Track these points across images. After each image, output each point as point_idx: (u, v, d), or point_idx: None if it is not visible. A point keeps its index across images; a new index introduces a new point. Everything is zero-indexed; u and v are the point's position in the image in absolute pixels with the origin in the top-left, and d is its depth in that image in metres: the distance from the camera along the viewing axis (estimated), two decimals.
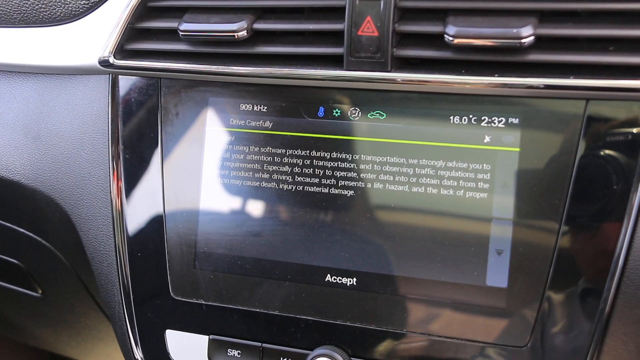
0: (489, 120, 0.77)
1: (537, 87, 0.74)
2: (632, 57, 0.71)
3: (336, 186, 0.82)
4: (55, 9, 0.97)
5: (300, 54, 0.82)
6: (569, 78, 0.73)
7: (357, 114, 0.82)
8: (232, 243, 0.87)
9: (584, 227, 0.75)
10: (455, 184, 0.78)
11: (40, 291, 1.24)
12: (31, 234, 1.11)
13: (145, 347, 0.94)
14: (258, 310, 0.87)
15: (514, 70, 0.75)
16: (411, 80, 0.78)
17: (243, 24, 0.82)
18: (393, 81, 0.78)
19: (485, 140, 0.77)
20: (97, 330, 1.34)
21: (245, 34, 0.82)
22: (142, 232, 0.92)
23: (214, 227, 0.88)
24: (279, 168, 0.85)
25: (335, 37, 0.80)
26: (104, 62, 0.91)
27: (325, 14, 0.81)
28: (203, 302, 0.89)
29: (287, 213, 0.84)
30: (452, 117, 0.78)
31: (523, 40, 0.71)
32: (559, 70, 0.73)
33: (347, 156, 0.82)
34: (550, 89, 0.73)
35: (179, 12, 0.87)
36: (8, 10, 1.00)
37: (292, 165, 0.84)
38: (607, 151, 0.74)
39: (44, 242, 1.10)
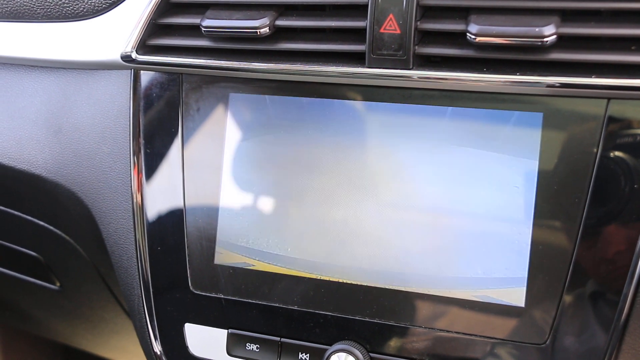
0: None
1: (559, 86, 0.74)
2: None
3: (354, 182, 0.83)
4: (78, 4, 0.98)
5: (322, 50, 0.82)
6: (590, 77, 0.73)
7: (378, 110, 0.82)
8: (252, 238, 0.87)
9: (604, 226, 0.75)
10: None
11: (58, 284, 1.26)
12: (51, 227, 1.12)
13: (164, 341, 0.94)
14: (277, 305, 0.87)
15: (535, 69, 0.75)
16: (433, 78, 0.78)
17: (265, 20, 0.83)
18: (414, 79, 0.79)
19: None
20: (113, 324, 1.35)
21: (268, 30, 0.83)
22: (162, 226, 0.92)
23: (234, 222, 0.88)
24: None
25: (357, 35, 0.81)
26: (126, 58, 0.91)
27: (348, 11, 0.82)
28: (222, 296, 0.90)
29: (306, 209, 0.85)
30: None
31: (545, 39, 0.72)
32: (581, 69, 0.73)
33: (366, 153, 0.82)
34: (572, 87, 0.74)
35: (201, 9, 0.88)
36: (32, 6, 1.01)
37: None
38: (628, 150, 0.74)
39: (63, 235, 1.11)
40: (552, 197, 0.76)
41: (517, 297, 0.77)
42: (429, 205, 0.80)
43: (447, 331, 0.81)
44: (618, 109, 0.73)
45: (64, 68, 1.01)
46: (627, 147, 0.74)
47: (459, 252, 0.79)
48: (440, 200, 0.80)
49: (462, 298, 0.80)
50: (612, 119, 0.74)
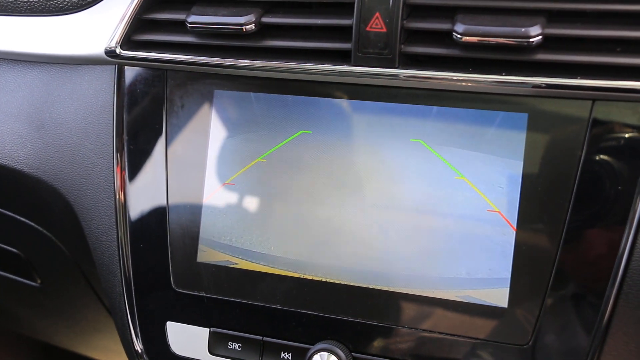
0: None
1: (544, 87, 0.74)
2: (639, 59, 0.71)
3: (338, 181, 0.82)
4: None
5: (307, 48, 0.82)
6: (575, 78, 0.73)
7: (364, 109, 0.82)
8: (235, 236, 0.87)
9: (588, 228, 0.75)
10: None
11: (39, 281, 1.24)
12: (32, 224, 1.11)
13: (146, 339, 0.94)
14: (259, 303, 0.87)
15: (521, 69, 0.75)
16: (418, 77, 0.78)
17: (251, 17, 0.82)
18: (400, 78, 0.78)
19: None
20: (95, 322, 1.34)
21: (253, 27, 0.82)
22: (145, 224, 0.92)
23: (217, 220, 0.88)
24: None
25: (343, 33, 0.80)
26: (111, 53, 0.91)
27: (334, 9, 0.81)
28: (205, 294, 0.89)
29: (290, 207, 0.84)
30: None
31: (531, 40, 0.72)
32: (566, 70, 0.73)
33: (351, 152, 0.82)
34: (557, 88, 0.74)
35: (187, 4, 0.87)
36: None
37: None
38: (612, 153, 0.74)
39: (45, 231, 1.10)
40: (536, 198, 0.76)
41: (500, 297, 0.77)
42: (413, 205, 0.80)
43: (430, 331, 0.81)
44: (603, 110, 0.74)
45: (47, 63, 1.00)
46: (612, 150, 0.74)
47: (442, 252, 0.79)
48: (424, 200, 0.79)
49: (446, 298, 0.79)
50: (597, 121, 0.74)
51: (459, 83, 0.77)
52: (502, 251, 0.77)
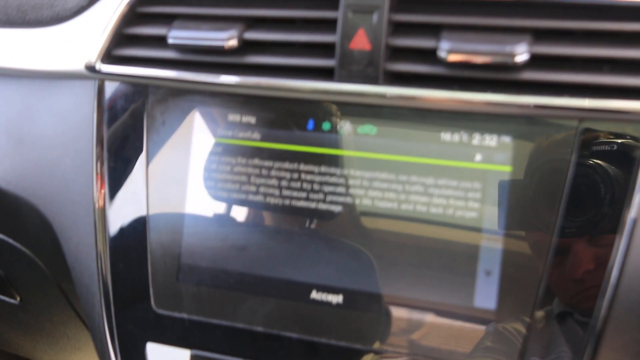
0: (481, 138, 0.76)
1: (530, 106, 0.72)
2: (627, 78, 0.70)
3: (324, 201, 0.81)
4: (42, 11, 0.95)
5: (290, 65, 0.80)
6: (562, 97, 0.72)
7: (347, 128, 0.80)
8: (217, 256, 0.85)
9: (575, 250, 0.73)
10: (445, 202, 0.77)
11: (18, 298, 1.22)
12: (10, 240, 1.08)
13: None
14: (241, 325, 0.85)
15: (507, 88, 0.73)
16: (402, 96, 0.76)
17: (233, 33, 0.80)
18: (384, 96, 0.77)
19: (476, 159, 0.76)
20: (76, 340, 1.32)
21: (235, 43, 0.81)
22: (125, 243, 0.90)
23: (198, 240, 0.86)
24: (266, 181, 0.83)
25: (326, 49, 0.79)
26: (91, 68, 0.89)
27: (317, 26, 0.80)
28: (186, 315, 0.87)
29: (273, 227, 0.83)
30: (443, 134, 0.77)
31: (517, 59, 0.70)
32: (553, 89, 0.72)
33: (336, 171, 0.81)
34: (544, 108, 0.72)
35: (168, 19, 0.85)
36: None
37: (280, 179, 0.82)
38: (599, 172, 0.73)
39: (23, 249, 1.08)
40: (522, 219, 0.74)
41: (486, 320, 0.76)
42: (396, 226, 0.78)
43: (415, 355, 0.79)
44: (590, 129, 0.72)
45: (26, 77, 0.98)
46: (600, 169, 0.73)
47: (426, 273, 0.78)
48: (406, 220, 0.78)
49: (430, 322, 0.78)
50: (584, 140, 0.72)
51: (443, 102, 0.75)
52: (487, 272, 0.75)
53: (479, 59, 0.72)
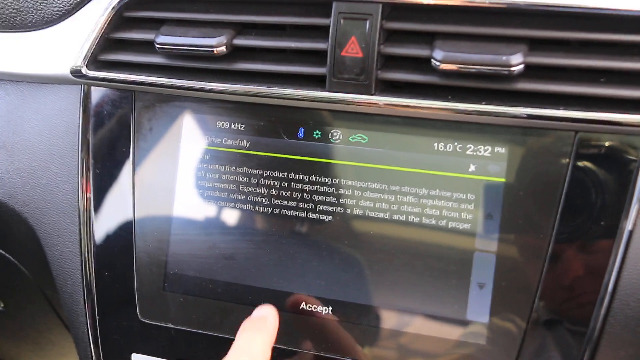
0: (475, 148, 0.74)
1: (525, 117, 0.71)
2: (623, 90, 0.68)
3: (314, 210, 0.79)
4: (27, 14, 0.93)
5: (280, 72, 0.79)
6: (558, 109, 0.70)
7: (338, 136, 0.79)
8: (204, 265, 0.83)
9: (569, 263, 0.72)
10: (438, 213, 0.75)
11: (2, 304, 1.20)
12: None
13: None
14: (228, 336, 0.83)
15: (502, 98, 0.72)
16: (395, 105, 0.75)
17: (222, 39, 0.79)
18: (376, 105, 0.75)
19: (470, 169, 0.75)
20: (60, 347, 1.30)
21: (225, 49, 0.79)
22: (111, 251, 0.88)
23: (185, 248, 0.84)
24: (255, 189, 0.81)
25: (318, 57, 0.77)
26: (76, 73, 0.87)
27: (309, 32, 0.78)
28: (172, 325, 0.85)
29: (261, 236, 0.81)
30: (436, 144, 0.76)
31: (512, 68, 0.69)
32: (548, 100, 0.71)
33: (327, 180, 0.79)
34: (539, 119, 0.71)
35: (156, 24, 0.84)
36: None
37: (269, 187, 0.81)
38: (595, 184, 0.71)
39: (7, 255, 1.06)
40: (516, 230, 0.73)
41: (478, 334, 0.74)
42: (387, 236, 0.77)
43: None
44: (586, 141, 0.71)
45: (11, 81, 0.96)
46: (595, 181, 0.71)
47: (418, 285, 0.76)
48: (398, 230, 0.77)
49: (421, 334, 0.76)
50: (580, 151, 0.71)
51: (437, 111, 0.74)
52: (480, 285, 0.74)
53: (473, 68, 0.70)
